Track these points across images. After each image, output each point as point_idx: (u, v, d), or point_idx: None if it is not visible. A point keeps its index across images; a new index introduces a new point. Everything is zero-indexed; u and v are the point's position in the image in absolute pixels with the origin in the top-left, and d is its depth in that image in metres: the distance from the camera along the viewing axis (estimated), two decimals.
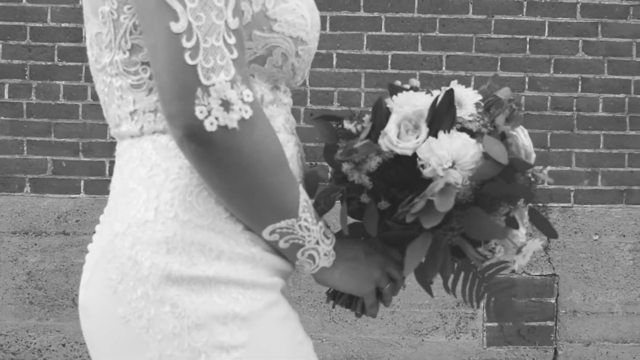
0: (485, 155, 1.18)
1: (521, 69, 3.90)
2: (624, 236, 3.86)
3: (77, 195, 3.88)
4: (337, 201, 1.26)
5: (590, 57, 3.94)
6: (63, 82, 3.86)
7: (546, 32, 3.93)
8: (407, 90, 1.25)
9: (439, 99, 1.20)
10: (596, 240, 3.84)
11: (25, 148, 3.85)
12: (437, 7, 3.85)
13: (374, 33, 3.78)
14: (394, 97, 1.23)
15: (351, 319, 3.78)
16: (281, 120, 1.22)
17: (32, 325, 3.83)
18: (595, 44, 3.94)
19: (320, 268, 1.21)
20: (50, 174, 3.88)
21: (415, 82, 1.29)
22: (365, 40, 3.79)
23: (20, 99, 3.84)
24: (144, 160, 1.17)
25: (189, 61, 1.05)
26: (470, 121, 1.22)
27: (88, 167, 3.89)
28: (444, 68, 3.89)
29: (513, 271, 1.10)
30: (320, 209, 1.23)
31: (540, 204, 1.17)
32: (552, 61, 3.92)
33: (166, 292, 1.12)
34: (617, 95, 3.90)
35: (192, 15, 1.05)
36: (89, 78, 3.84)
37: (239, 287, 1.12)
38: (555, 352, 3.93)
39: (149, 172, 1.16)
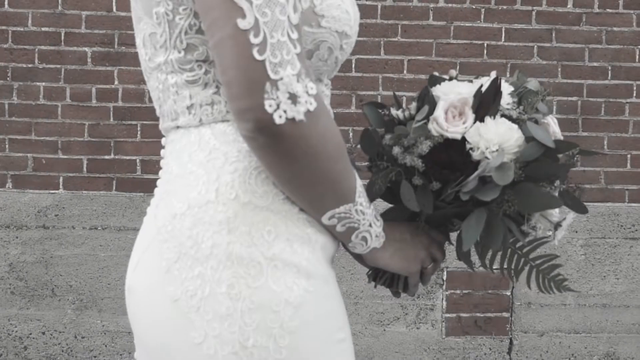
0: (527, 139, 1.21)
1: (479, 73, 3.70)
2: (576, 232, 3.96)
3: (56, 191, 3.89)
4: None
5: (544, 62, 3.99)
6: (43, 84, 3.87)
7: (503, 37, 3.98)
8: (448, 80, 1.28)
9: (485, 87, 1.23)
10: (550, 235, 3.96)
11: (7, 146, 3.87)
12: (399, 14, 3.91)
13: None
14: (438, 85, 1.26)
15: None
16: None
17: (13, 315, 3.85)
18: (549, 50, 4.00)
19: (372, 249, 1.22)
20: (30, 171, 3.88)
21: (454, 72, 1.31)
22: None
23: (2, 99, 3.86)
24: (202, 145, 1.17)
25: (257, 56, 1.04)
26: (508, 109, 1.25)
27: (67, 164, 3.89)
28: (405, 72, 3.94)
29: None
30: (378, 189, 1.25)
31: (572, 184, 1.27)
32: (509, 65, 3.97)
33: (225, 272, 1.11)
34: (570, 98, 3.96)
35: (258, 11, 1.05)
36: (67, 80, 3.88)
37: (294, 274, 1.12)
38: (511, 342, 3.99)
39: (208, 156, 1.16)
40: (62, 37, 3.88)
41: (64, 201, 3.89)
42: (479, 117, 1.21)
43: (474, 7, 3.96)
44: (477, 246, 1.26)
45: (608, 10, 4.01)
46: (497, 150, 1.19)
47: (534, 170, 1.21)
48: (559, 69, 4.00)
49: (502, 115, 1.23)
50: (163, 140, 1.26)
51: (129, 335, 3.87)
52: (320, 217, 1.16)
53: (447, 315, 3.97)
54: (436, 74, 1.31)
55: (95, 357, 3.90)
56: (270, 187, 1.14)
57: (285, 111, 1.05)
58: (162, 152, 1.25)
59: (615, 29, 4.01)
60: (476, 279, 3.91)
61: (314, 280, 1.14)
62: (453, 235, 1.32)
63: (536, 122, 1.26)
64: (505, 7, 3.98)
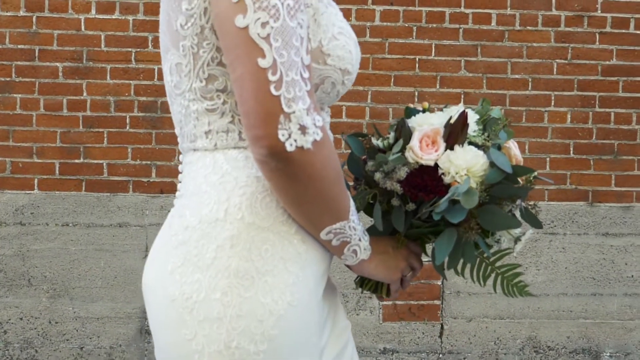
0: (491, 164, 1.27)
1: (411, 85, 4.08)
2: None
3: (32, 192, 3.98)
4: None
5: (471, 75, 4.11)
6: (19, 95, 3.98)
7: (433, 52, 4.09)
8: (422, 111, 1.35)
9: (453, 119, 1.30)
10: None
11: None
12: None
13: None
14: (413, 117, 1.33)
15: None
16: None
17: None
18: (475, 63, 4.11)
19: (360, 260, 1.29)
20: (8, 173, 3.98)
21: (427, 104, 1.37)
22: None
23: None
24: (216, 168, 1.23)
25: (274, 92, 1.10)
26: (474, 136, 1.30)
27: (41, 167, 3.99)
28: None
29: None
30: (356, 208, 1.31)
31: (531, 202, 1.40)
32: (438, 78, 4.09)
33: (221, 282, 1.17)
34: (494, 107, 4.06)
35: (276, 53, 1.11)
36: (41, 92, 3.99)
37: (281, 290, 1.18)
38: (442, 327, 4.11)
39: (220, 179, 1.22)
40: (37, 54, 4.00)
41: (38, 200, 3.98)
42: (449, 146, 1.28)
43: (406, 25, 4.08)
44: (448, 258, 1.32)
45: (528, 27, 4.13)
46: (465, 174, 1.24)
47: (498, 192, 1.28)
48: (484, 81, 4.12)
49: (470, 143, 1.29)
50: (181, 157, 1.34)
51: (97, 321, 3.99)
52: (319, 233, 1.22)
53: (384, 303, 4.07)
54: (411, 105, 1.38)
55: (67, 340, 3.99)
56: (271, 210, 1.21)
57: (295, 140, 1.12)
58: (180, 167, 1.33)
59: (534, 44, 4.14)
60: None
61: (299, 295, 1.19)
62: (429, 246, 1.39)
63: (499, 146, 1.32)
64: (435, 25, 4.10)
